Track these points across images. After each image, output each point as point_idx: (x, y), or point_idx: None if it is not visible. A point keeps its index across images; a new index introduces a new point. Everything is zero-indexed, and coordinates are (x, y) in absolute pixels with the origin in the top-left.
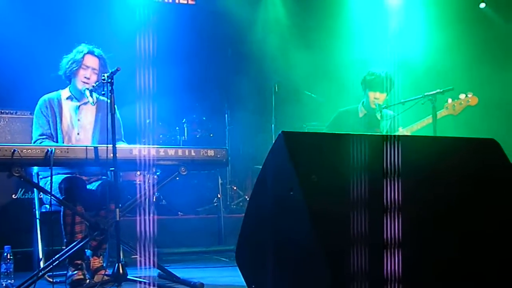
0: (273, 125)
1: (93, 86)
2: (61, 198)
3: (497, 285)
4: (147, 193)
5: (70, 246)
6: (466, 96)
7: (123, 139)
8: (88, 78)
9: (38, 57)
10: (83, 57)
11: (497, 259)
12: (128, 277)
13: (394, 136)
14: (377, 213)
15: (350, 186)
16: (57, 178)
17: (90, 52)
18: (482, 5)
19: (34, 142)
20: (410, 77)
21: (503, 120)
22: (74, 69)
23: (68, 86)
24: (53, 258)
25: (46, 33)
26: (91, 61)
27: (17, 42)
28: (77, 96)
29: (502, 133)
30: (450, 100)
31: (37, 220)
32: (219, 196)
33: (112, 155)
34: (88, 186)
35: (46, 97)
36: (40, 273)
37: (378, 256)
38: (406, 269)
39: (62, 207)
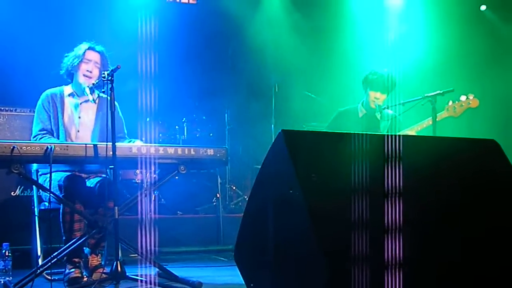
0: (272, 125)
1: (93, 83)
2: (60, 196)
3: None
4: (146, 191)
5: (68, 244)
6: (467, 98)
7: (126, 136)
8: (90, 72)
9: (38, 54)
10: (84, 52)
11: (498, 261)
12: (126, 275)
13: (395, 136)
14: (377, 213)
15: (350, 186)
16: (56, 176)
17: (91, 48)
18: (483, 7)
19: (33, 137)
20: (411, 78)
21: (503, 121)
22: (76, 63)
23: (70, 84)
24: (52, 256)
25: (46, 30)
26: (93, 55)
27: (17, 39)
28: (78, 93)
29: (503, 134)
30: (451, 102)
31: (36, 218)
32: (218, 195)
33: (111, 153)
34: (87, 183)
35: (48, 91)
36: (38, 271)
37: (378, 257)
38: (405, 278)
39: (61, 205)
